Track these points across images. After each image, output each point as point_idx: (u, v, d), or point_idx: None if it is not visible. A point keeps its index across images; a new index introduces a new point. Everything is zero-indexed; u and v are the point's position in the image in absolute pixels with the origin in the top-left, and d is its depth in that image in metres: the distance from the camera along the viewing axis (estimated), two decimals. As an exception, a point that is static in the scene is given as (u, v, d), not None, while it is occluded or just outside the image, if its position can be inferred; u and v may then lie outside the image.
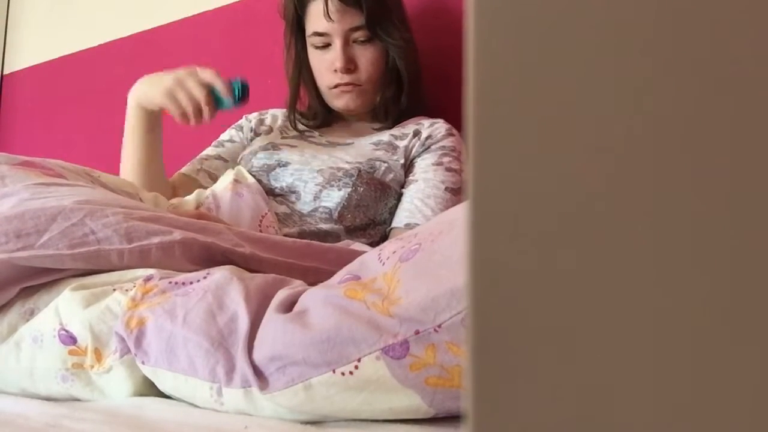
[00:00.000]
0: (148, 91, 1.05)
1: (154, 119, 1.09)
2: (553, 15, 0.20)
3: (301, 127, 1.19)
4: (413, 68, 1.14)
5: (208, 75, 1.02)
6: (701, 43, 0.19)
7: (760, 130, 0.18)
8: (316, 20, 1.10)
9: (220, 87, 1.01)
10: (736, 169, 0.18)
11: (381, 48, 1.11)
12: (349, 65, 1.10)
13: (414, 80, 1.15)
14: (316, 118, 1.19)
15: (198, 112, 1.01)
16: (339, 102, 1.14)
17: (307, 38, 1.14)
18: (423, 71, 1.18)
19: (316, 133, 1.18)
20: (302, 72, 1.17)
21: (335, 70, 1.10)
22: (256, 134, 1.21)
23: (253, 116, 1.25)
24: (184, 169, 1.19)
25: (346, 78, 1.10)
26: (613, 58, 0.20)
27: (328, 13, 1.07)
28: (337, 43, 1.09)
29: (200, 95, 1.00)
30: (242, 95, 1.03)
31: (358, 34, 1.09)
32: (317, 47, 1.12)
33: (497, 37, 0.21)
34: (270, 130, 1.21)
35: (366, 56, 1.11)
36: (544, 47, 0.20)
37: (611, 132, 0.20)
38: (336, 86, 1.12)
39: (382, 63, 1.12)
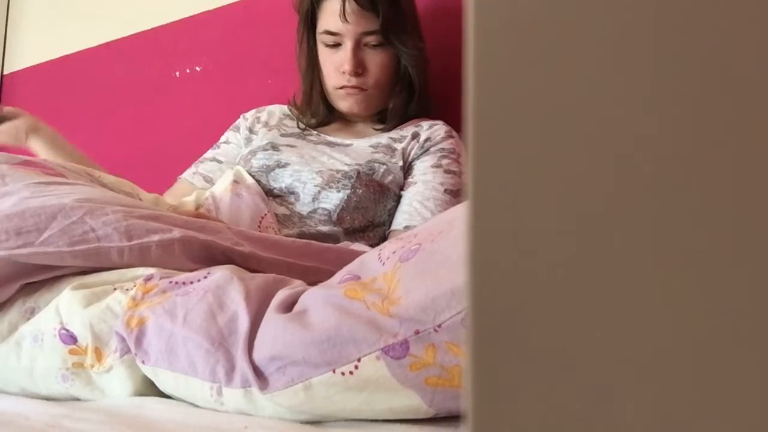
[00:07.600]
0: None
1: None
2: (553, 15, 0.20)
3: (301, 125, 1.18)
4: (423, 77, 1.14)
5: None
6: (702, 44, 0.19)
7: (761, 131, 0.18)
8: (329, 18, 1.09)
9: None
10: (739, 171, 0.18)
11: (392, 54, 1.10)
12: (358, 68, 1.09)
13: (423, 89, 1.14)
14: (317, 115, 1.18)
15: None
16: (343, 104, 1.13)
17: (317, 35, 1.13)
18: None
19: (315, 132, 1.17)
20: (314, 68, 1.16)
21: (343, 72, 1.09)
22: (252, 132, 1.20)
23: (250, 114, 1.24)
24: (183, 174, 1.20)
25: (354, 81, 1.09)
26: (614, 59, 0.20)
27: (344, 13, 1.06)
28: (348, 45, 1.08)
29: None
30: None
31: (371, 39, 1.08)
32: (327, 45, 1.11)
33: (497, 37, 0.21)
34: (266, 127, 1.20)
35: (376, 61, 1.10)
36: (544, 47, 0.20)
37: (611, 133, 0.20)
38: (342, 87, 1.11)
39: (391, 69, 1.11)
